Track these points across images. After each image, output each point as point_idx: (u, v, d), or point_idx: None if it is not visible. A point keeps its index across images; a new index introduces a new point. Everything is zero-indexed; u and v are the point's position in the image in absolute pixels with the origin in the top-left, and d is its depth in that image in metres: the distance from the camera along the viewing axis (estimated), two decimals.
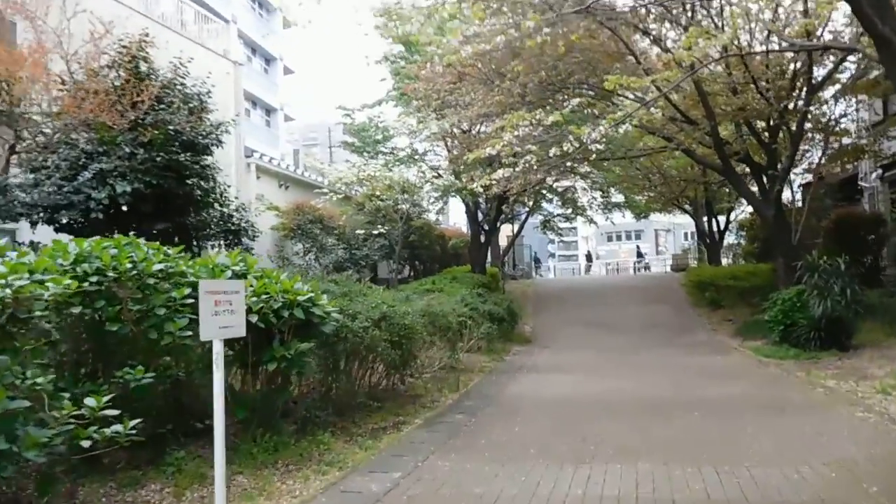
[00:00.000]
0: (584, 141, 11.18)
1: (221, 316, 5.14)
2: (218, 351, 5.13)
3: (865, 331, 14.42)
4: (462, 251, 29.72)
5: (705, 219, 31.13)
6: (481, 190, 13.97)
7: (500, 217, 27.44)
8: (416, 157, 23.03)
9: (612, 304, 23.74)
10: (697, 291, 24.03)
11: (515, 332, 19.04)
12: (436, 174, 24.47)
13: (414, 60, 20.43)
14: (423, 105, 18.05)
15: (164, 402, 6.73)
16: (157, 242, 6.80)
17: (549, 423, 8.40)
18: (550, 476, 6.07)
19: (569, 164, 15.50)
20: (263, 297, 6.86)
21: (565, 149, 11.36)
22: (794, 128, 16.41)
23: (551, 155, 11.63)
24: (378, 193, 24.02)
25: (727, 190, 31.94)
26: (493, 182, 13.09)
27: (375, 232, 19.85)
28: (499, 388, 11.10)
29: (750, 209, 33.13)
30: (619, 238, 69.50)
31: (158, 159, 10.08)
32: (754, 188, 18.89)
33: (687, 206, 31.80)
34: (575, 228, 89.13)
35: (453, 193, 24.66)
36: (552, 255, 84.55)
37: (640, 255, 51.01)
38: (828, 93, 18.44)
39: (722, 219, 31.49)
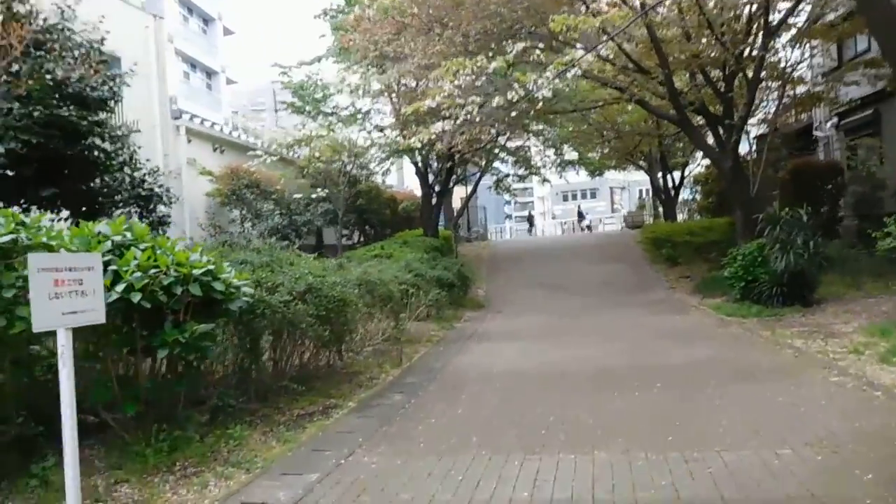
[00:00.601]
0: (531, 89, 10.10)
1: (66, 299, 4.03)
2: (64, 343, 4.02)
3: (826, 284, 13.80)
4: (414, 214, 28.60)
5: (660, 175, 30.43)
6: (420, 145, 12.80)
7: (452, 178, 26.35)
8: (360, 116, 21.71)
9: (568, 264, 22.95)
10: (654, 248, 23.37)
11: (468, 298, 18.12)
12: (380, 133, 23.23)
13: (352, 12, 19.08)
14: (360, 58, 16.74)
15: (33, 398, 5.61)
16: (48, 212, 5.60)
17: (497, 402, 7.45)
18: (493, 472, 5.11)
19: (515, 115, 14.34)
20: (151, 271, 5.71)
21: (510, 97, 10.27)
22: (750, 75, 15.54)
23: (494, 105, 10.52)
24: (318, 155, 22.80)
25: (682, 144, 31.27)
26: (434, 136, 11.95)
27: (314, 196, 18.57)
28: (445, 361, 10.13)
29: (705, 163, 32.59)
30: (574, 197, 68.91)
31: (37, 115, 8.67)
32: (710, 140, 18.09)
33: (641, 163, 31.06)
34: (530, 189, 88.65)
35: (399, 154, 23.48)
36: (509, 217, 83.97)
37: (581, 216, 49.63)
38: (783, 39, 17.60)
39: (677, 175, 30.84)
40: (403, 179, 39.19)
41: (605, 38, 11.40)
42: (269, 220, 16.52)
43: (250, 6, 72.13)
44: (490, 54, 11.15)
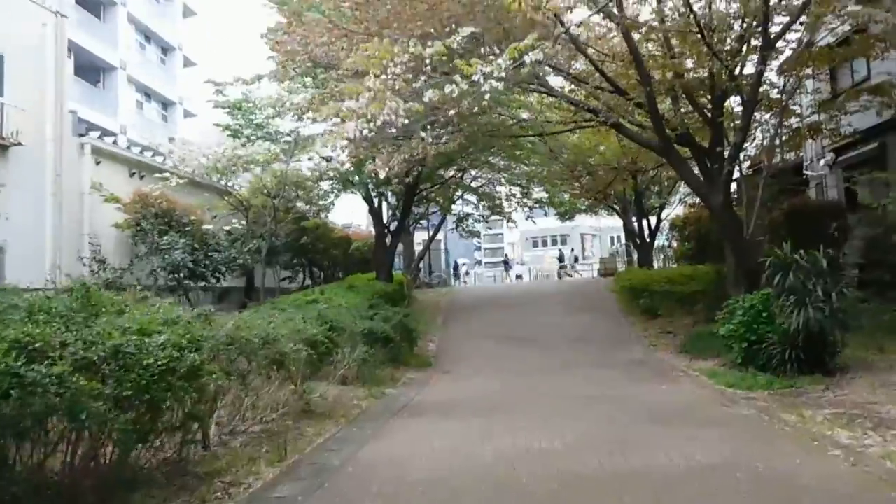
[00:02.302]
0: (477, 80, 7.29)
1: None
2: None
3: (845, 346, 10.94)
4: (370, 256, 25.62)
5: (634, 219, 27.77)
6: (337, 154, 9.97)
7: (408, 217, 23.51)
8: (303, 142, 18.83)
9: (535, 314, 20.03)
10: (630, 298, 20.53)
11: (413, 354, 15.05)
12: (327, 163, 20.36)
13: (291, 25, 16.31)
14: (286, 62, 13.85)
15: None
16: None
17: None
18: None
19: (458, 123, 11.55)
20: None
21: (448, 92, 7.45)
22: (745, 96, 12.93)
23: (426, 100, 7.69)
24: (265, 185, 19.91)
25: (657, 188, 28.83)
26: (346, 140, 9.04)
27: (227, 228, 15.51)
28: (348, 455, 7.05)
29: (682, 208, 30.14)
30: (544, 244, 66.41)
31: None
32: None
33: (615, 206, 28.45)
34: (501, 235, 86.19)
35: (350, 186, 20.62)
36: (479, 263, 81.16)
37: (562, 259, 47.17)
38: (774, 64, 15.11)
39: (653, 220, 28.23)
40: (364, 220, 36.27)
41: (563, 30, 8.66)
42: (168, 256, 13.39)
43: (215, 38, 69.39)
44: (430, 43, 8.32)
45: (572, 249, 53.58)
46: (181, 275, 13.73)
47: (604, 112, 13.02)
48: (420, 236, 32.63)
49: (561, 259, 46.95)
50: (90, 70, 30.30)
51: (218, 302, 17.07)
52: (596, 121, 13.58)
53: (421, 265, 32.43)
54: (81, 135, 14.75)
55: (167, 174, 14.23)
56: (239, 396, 7.49)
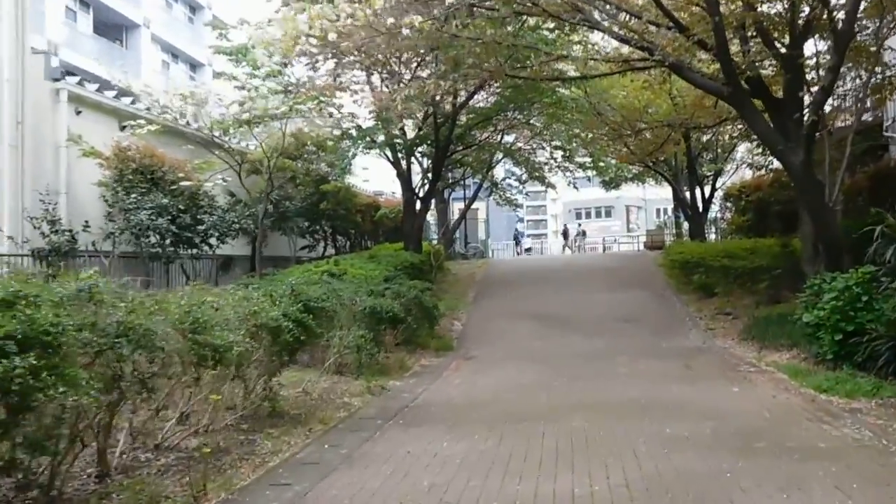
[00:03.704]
0: None
1: None
2: None
3: None
4: (398, 224, 23.46)
5: (686, 188, 25.01)
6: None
7: (438, 181, 21.22)
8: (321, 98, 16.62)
9: (575, 290, 17.68)
10: (681, 274, 18.03)
11: (434, 334, 12.90)
12: (353, 123, 18.18)
13: None
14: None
15: None
16: None
17: None
18: None
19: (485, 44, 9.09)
20: None
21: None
22: (839, 25, 10.26)
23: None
24: (280, 146, 17.82)
25: (711, 154, 26.01)
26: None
27: (210, 183, 13.34)
28: (298, 494, 4.90)
29: (738, 176, 27.25)
30: (588, 216, 63.35)
31: None
32: None
33: (664, 173, 25.69)
34: (544, 207, 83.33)
35: (374, 145, 18.39)
36: (521, 234, 78.55)
37: (566, 235, 44.32)
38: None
39: (706, 189, 25.44)
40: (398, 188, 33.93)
41: None
42: (133, 217, 11.32)
43: None
44: None
45: (579, 224, 50.95)
46: (163, 240, 11.71)
47: (660, 51, 10.49)
48: (460, 206, 30.38)
49: (565, 235, 44.36)
50: (111, 27, 28.58)
51: (222, 272, 15.16)
52: (650, 61, 11.02)
53: (457, 235, 30.20)
54: (56, 79, 12.67)
55: (142, 121, 12.11)
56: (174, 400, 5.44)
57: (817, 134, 11.06)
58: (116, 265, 10.51)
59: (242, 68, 14.64)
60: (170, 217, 11.68)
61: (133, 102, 13.59)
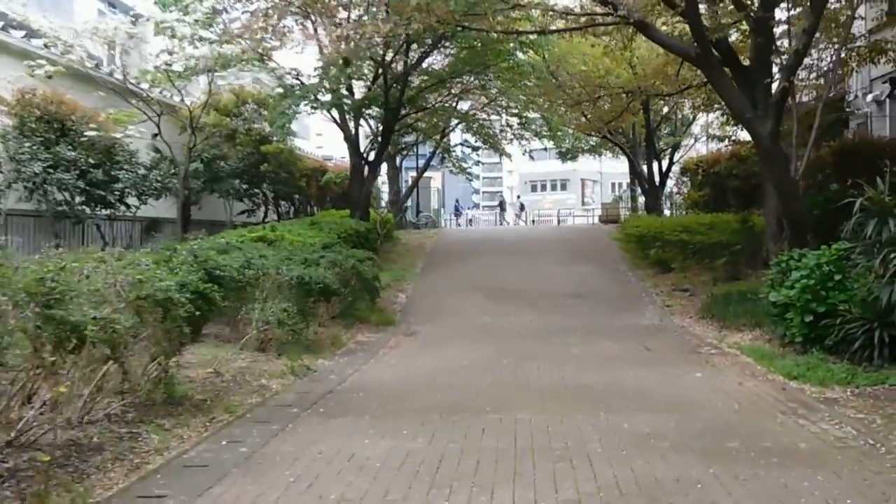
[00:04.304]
0: None
1: None
2: None
3: None
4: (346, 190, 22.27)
5: (643, 161, 24.31)
6: None
7: (387, 146, 20.07)
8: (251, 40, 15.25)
9: (528, 262, 16.84)
10: (637, 248, 17.40)
11: (376, 308, 11.91)
12: (297, 80, 16.89)
13: None
14: None
15: None
16: None
17: None
18: None
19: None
20: None
21: None
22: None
23: None
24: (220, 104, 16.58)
25: (667, 129, 25.39)
26: None
27: (131, 138, 11.99)
28: None
29: (696, 150, 26.71)
30: (543, 188, 62.69)
31: None
32: None
33: (622, 146, 24.91)
34: (500, 178, 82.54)
35: (319, 105, 17.12)
36: (476, 206, 77.67)
37: (503, 207, 44.57)
38: None
39: (664, 163, 24.77)
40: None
41: None
42: (24, 169, 9.92)
43: None
44: None
45: (518, 197, 51.10)
46: (72, 198, 10.40)
47: (625, 6, 9.54)
48: (414, 175, 29.27)
49: (502, 206, 44.67)
50: None
51: (146, 235, 13.85)
52: (615, 16, 10.04)
53: (409, 204, 29.13)
54: None
55: (42, 62, 10.65)
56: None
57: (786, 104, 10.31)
58: (8, 224, 9.20)
59: (171, 13, 13.23)
60: (77, 172, 10.35)
61: (47, 47, 12.08)
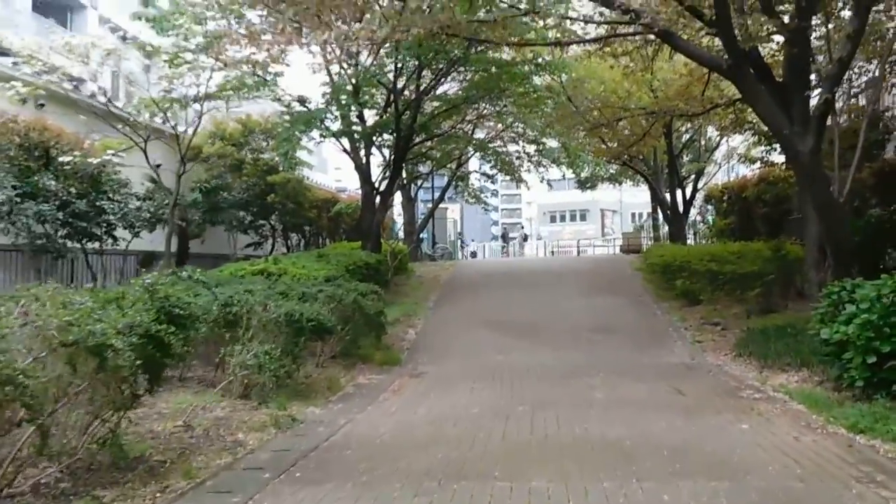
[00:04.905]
0: None
1: None
2: None
3: None
4: (356, 220, 21.39)
5: (666, 188, 23.25)
6: None
7: (400, 175, 19.27)
8: (268, 76, 14.57)
9: (548, 295, 15.81)
10: (661, 279, 16.26)
11: (383, 344, 10.95)
12: (302, 106, 16.20)
13: None
14: None
15: None
16: None
17: None
18: None
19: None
20: None
21: None
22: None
23: None
24: (225, 133, 15.86)
25: (688, 156, 24.36)
26: None
27: (121, 167, 11.14)
28: None
29: (720, 177, 25.64)
30: (562, 219, 61.65)
31: None
32: None
33: (643, 173, 23.90)
34: (518, 210, 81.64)
35: (329, 133, 16.39)
36: (495, 238, 76.70)
37: (505, 238, 43.12)
38: None
39: (686, 190, 23.71)
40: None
41: None
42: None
43: None
44: None
45: (521, 227, 50.17)
46: (55, 231, 9.59)
47: (649, 13, 8.63)
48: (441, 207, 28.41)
49: (504, 238, 43.58)
50: (55, 7, 25.99)
51: (142, 268, 13.01)
52: (637, 26, 9.10)
53: (424, 235, 28.25)
54: None
55: (17, 83, 9.87)
56: None
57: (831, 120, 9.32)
58: None
59: (170, 38, 12.54)
60: (58, 202, 9.55)
61: (16, 65, 11.35)
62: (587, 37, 10.63)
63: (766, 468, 4.92)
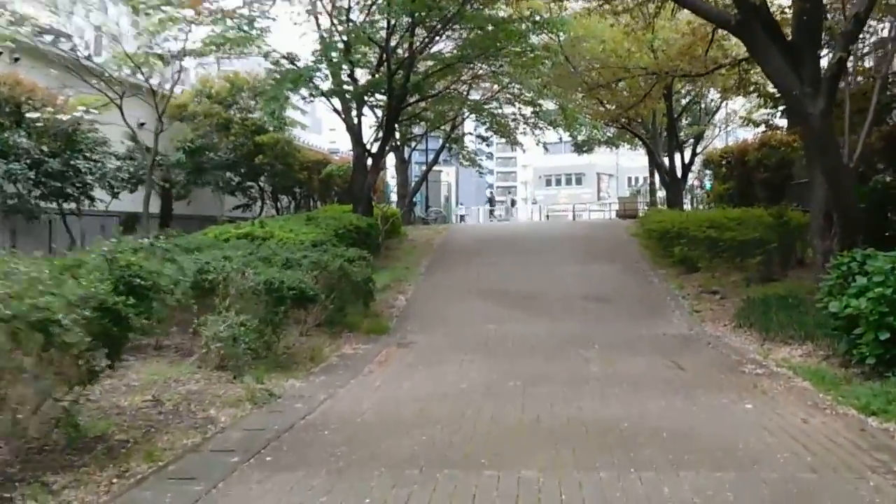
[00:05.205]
0: None
1: None
2: None
3: None
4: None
5: (664, 152, 22.71)
6: None
7: (392, 136, 18.68)
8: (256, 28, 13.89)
9: (542, 261, 15.39)
10: (658, 245, 15.86)
11: (371, 311, 10.54)
12: (290, 64, 15.56)
13: None
14: None
15: None
16: None
17: None
18: None
19: None
20: None
21: None
22: None
23: None
24: (210, 91, 15.25)
25: (688, 119, 23.78)
26: None
27: (100, 124, 10.62)
28: None
29: (719, 141, 25.10)
30: (558, 183, 60.95)
31: None
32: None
33: (641, 136, 23.32)
34: (514, 173, 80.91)
35: (318, 92, 15.79)
36: (490, 201, 76.16)
37: (492, 203, 42.58)
38: None
39: (684, 154, 23.17)
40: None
41: None
42: None
43: None
44: None
45: (509, 192, 49.75)
46: (28, 191, 9.09)
47: None
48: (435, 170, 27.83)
49: (491, 202, 43.18)
50: None
51: (124, 232, 12.52)
52: None
53: (418, 198, 27.70)
54: None
55: None
56: None
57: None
58: None
59: None
60: (28, 161, 9.03)
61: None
62: None
63: (774, 456, 4.53)
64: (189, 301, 6.26)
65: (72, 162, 9.82)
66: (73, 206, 10.26)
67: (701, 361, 7.73)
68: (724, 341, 8.94)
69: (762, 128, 17.78)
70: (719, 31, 13.60)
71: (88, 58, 11.22)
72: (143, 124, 13.03)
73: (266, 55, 15.48)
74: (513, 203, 42.46)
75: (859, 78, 11.45)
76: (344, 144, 30.47)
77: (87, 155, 10.17)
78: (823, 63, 9.60)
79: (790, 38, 9.92)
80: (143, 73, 11.59)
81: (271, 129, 16.88)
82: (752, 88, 14.85)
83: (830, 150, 9.00)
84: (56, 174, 9.53)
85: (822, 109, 8.60)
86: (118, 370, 6.47)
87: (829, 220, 9.76)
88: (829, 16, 10.19)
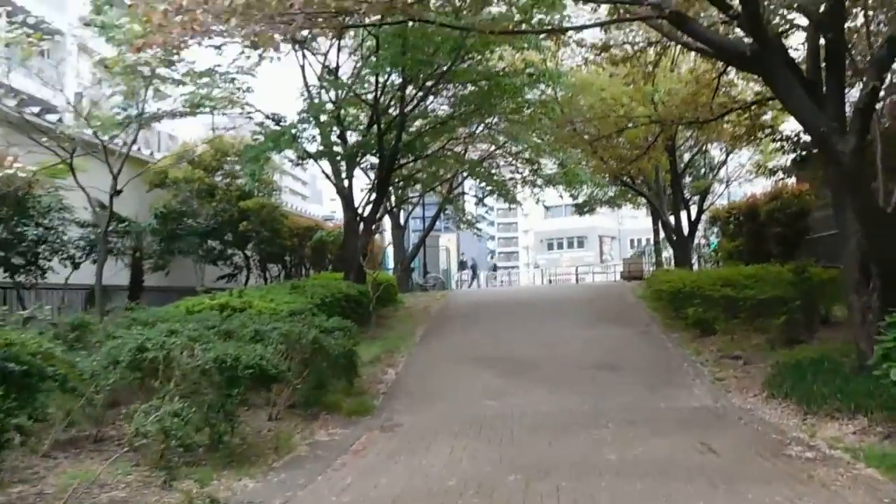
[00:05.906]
0: None
1: None
2: None
3: None
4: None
5: (669, 210, 21.75)
6: None
7: (384, 198, 17.77)
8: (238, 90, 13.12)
9: (546, 327, 14.24)
10: (668, 307, 14.64)
11: (355, 388, 9.29)
12: (276, 125, 14.76)
13: None
14: None
15: None
16: None
17: None
18: None
19: None
20: None
21: None
22: None
23: None
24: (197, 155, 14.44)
25: (691, 174, 22.92)
26: None
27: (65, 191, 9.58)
28: None
29: (726, 198, 24.16)
30: (560, 246, 60.10)
31: None
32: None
33: (644, 193, 22.39)
34: (515, 238, 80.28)
35: (307, 155, 14.96)
36: (494, 268, 75.17)
37: (464, 266, 37.67)
38: None
39: (691, 211, 22.22)
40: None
41: None
42: None
43: None
44: None
45: (491, 256, 47.21)
46: None
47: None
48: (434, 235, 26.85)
49: (462, 266, 37.79)
50: None
51: (90, 306, 11.39)
52: (646, 5, 7.59)
53: (416, 264, 26.67)
54: None
55: None
56: None
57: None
58: None
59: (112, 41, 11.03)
60: None
61: None
62: (587, 25, 9.11)
63: None
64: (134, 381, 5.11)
65: (18, 229, 8.80)
66: (23, 278, 9.18)
67: (736, 442, 6.47)
68: (758, 415, 7.68)
69: (778, 174, 16.78)
70: (725, 76, 12.83)
71: (39, 114, 10.27)
72: (119, 191, 12.03)
73: (249, 116, 14.72)
74: (495, 267, 38.89)
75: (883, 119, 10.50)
76: (341, 212, 29.75)
77: (40, 221, 9.15)
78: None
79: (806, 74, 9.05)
80: (95, 132, 10.63)
81: (256, 192, 16.01)
82: (766, 132, 13.87)
83: (865, 192, 7.95)
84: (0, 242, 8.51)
85: (853, 147, 7.58)
86: (38, 472, 5.39)
87: (866, 273, 8.64)
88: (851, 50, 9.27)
